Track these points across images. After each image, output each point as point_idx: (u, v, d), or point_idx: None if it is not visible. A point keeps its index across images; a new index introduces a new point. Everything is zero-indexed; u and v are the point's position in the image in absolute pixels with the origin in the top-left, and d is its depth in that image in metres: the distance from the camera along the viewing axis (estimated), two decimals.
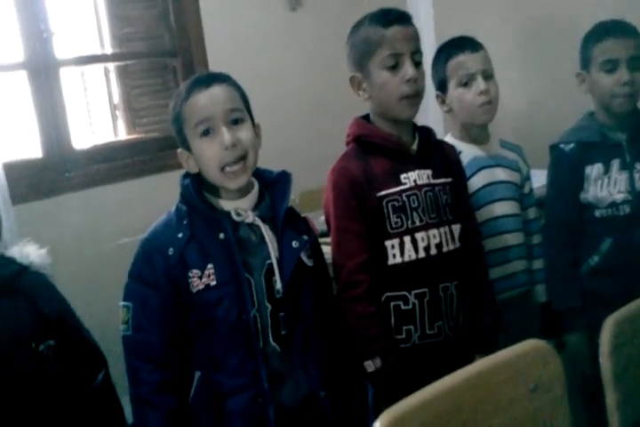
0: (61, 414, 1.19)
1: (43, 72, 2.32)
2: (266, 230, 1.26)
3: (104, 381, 1.30)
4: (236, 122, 1.24)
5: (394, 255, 1.40)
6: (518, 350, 1.05)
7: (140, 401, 1.23)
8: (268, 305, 1.23)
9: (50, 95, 2.33)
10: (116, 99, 2.60)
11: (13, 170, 2.14)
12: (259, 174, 1.32)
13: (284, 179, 1.31)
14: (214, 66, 2.63)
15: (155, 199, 2.46)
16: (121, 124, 2.60)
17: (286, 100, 2.85)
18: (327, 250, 1.47)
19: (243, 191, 1.27)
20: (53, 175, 2.32)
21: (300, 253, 1.27)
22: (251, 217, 1.25)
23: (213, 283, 1.21)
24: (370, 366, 1.34)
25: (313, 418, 1.27)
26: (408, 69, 1.38)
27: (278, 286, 1.23)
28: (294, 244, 1.27)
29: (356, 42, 1.44)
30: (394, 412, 0.88)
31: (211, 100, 1.22)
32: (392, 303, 1.40)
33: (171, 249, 1.21)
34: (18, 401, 1.12)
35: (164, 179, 2.51)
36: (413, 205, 1.41)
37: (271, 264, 1.24)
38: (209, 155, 1.22)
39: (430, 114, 2.05)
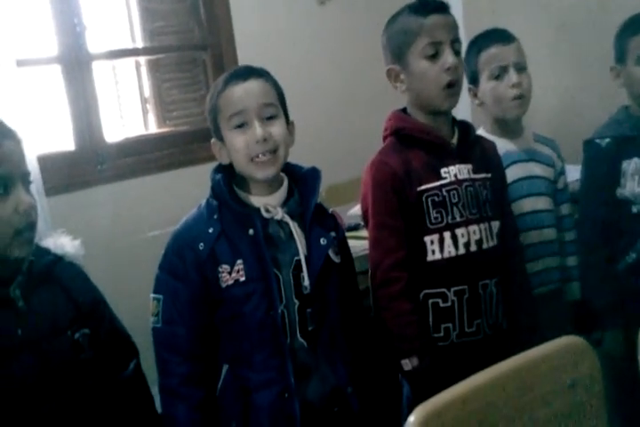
0: (94, 401, 1.21)
1: (76, 66, 2.34)
2: (294, 227, 1.26)
3: (135, 370, 1.32)
4: (269, 117, 1.25)
5: (433, 251, 1.39)
6: (555, 346, 1.04)
7: (168, 392, 1.25)
8: (296, 301, 1.25)
9: (82, 89, 2.35)
10: (147, 92, 2.62)
11: (47, 162, 2.16)
12: (288, 170, 1.33)
13: (313, 175, 1.32)
14: (243, 60, 2.64)
15: (184, 192, 2.49)
16: (151, 117, 2.62)
17: (313, 94, 2.85)
18: (353, 244, 1.47)
19: (272, 187, 1.28)
20: (86, 168, 2.35)
21: (327, 250, 1.28)
22: (280, 214, 1.26)
23: (242, 279, 1.22)
24: (406, 364, 1.34)
25: (339, 413, 1.27)
26: (448, 57, 1.37)
27: (306, 282, 1.24)
28: (322, 241, 1.27)
29: (393, 33, 1.43)
30: (428, 406, 0.88)
31: (246, 93, 1.24)
32: (430, 301, 1.39)
33: (201, 244, 1.23)
34: (54, 388, 1.14)
35: (194, 172, 2.53)
36: (454, 201, 1.40)
37: (299, 261, 1.25)
38: (240, 146, 1.24)
39: (458, 108, 2.04)
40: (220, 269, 1.23)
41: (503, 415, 0.95)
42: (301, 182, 1.32)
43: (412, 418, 0.87)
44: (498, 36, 1.66)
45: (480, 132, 1.71)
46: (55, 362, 1.15)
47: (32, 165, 2.07)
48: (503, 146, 1.67)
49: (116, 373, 1.28)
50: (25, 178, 1.16)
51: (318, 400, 1.26)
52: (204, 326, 1.26)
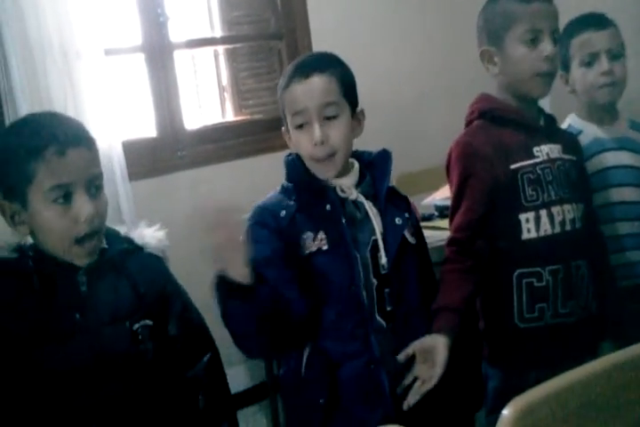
0: (151, 395, 1.19)
1: (158, 55, 2.42)
2: (370, 207, 1.27)
3: (209, 364, 1.28)
4: (329, 117, 1.25)
5: (528, 230, 1.38)
6: None
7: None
8: (374, 281, 1.25)
9: (164, 77, 2.43)
10: (224, 81, 2.68)
11: (130, 148, 2.24)
12: (357, 156, 1.34)
13: (384, 157, 1.32)
14: (318, 49, 2.65)
15: (259, 180, 2.53)
16: (228, 105, 2.68)
17: (386, 82, 2.85)
18: (428, 234, 1.46)
19: (344, 171, 1.29)
20: (166, 154, 2.43)
21: (403, 229, 1.28)
22: (354, 194, 1.27)
23: (325, 247, 1.23)
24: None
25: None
26: (547, 46, 1.36)
27: (383, 261, 1.25)
28: (397, 220, 1.28)
29: (492, 15, 1.42)
30: (524, 401, 0.85)
31: (308, 92, 1.24)
32: (525, 280, 1.38)
33: (283, 211, 1.25)
34: (107, 376, 1.14)
35: (269, 160, 2.57)
36: (548, 179, 1.39)
37: (376, 240, 1.26)
38: (301, 147, 1.26)
39: None
40: (304, 236, 1.24)
41: (602, 413, 0.91)
42: (372, 166, 1.33)
43: (505, 411, 0.85)
44: (592, 22, 1.62)
45: (571, 118, 1.68)
46: (110, 350, 1.15)
47: (117, 150, 2.17)
48: (593, 133, 1.63)
49: (185, 367, 1.25)
50: (91, 183, 1.14)
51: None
52: (298, 286, 1.24)
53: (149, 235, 1.27)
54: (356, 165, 1.32)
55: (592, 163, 1.60)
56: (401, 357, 1.24)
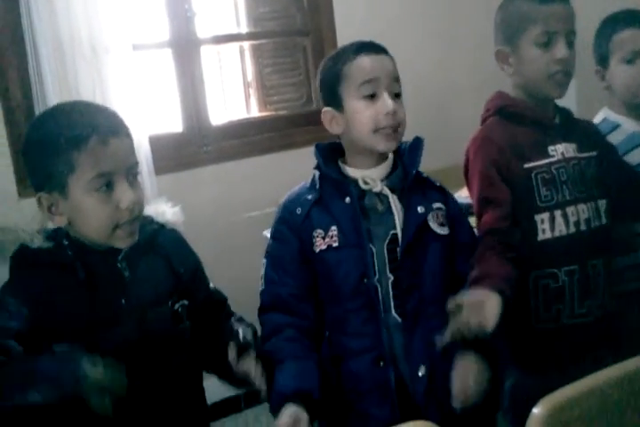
0: (189, 371, 1.23)
1: (185, 50, 2.44)
2: (394, 200, 1.26)
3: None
4: (397, 95, 1.26)
5: (543, 230, 1.37)
6: None
7: (266, 338, 1.25)
8: (390, 276, 1.23)
9: (191, 72, 2.45)
10: (250, 77, 2.69)
11: (157, 143, 2.27)
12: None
13: (417, 144, 1.32)
14: None
15: (283, 175, 2.54)
16: (253, 101, 2.69)
17: (409, 80, 2.83)
18: None
19: (376, 161, 1.29)
20: (192, 149, 2.45)
21: (424, 217, 1.25)
22: (379, 186, 1.27)
23: (335, 244, 1.24)
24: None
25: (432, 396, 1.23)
26: (561, 49, 1.35)
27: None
28: (420, 209, 1.26)
29: (508, 15, 1.42)
30: (554, 399, 0.86)
31: (380, 64, 1.25)
32: (541, 282, 1.37)
33: (299, 209, 1.27)
34: (152, 357, 1.16)
35: (293, 155, 2.58)
36: (563, 179, 1.38)
37: (395, 234, 1.24)
38: (367, 117, 1.25)
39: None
40: (315, 234, 1.25)
41: (634, 414, 0.92)
42: (405, 155, 1.32)
43: (535, 411, 0.85)
44: (634, 18, 1.60)
45: (604, 111, 1.67)
46: (155, 332, 1.17)
47: (144, 145, 2.19)
48: (630, 127, 1.62)
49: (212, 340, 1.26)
50: (130, 171, 1.15)
51: (411, 380, 1.23)
52: (303, 289, 1.27)
53: (169, 211, 1.29)
54: (390, 156, 1.32)
55: (629, 157, 1.58)
56: (451, 305, 1.14)
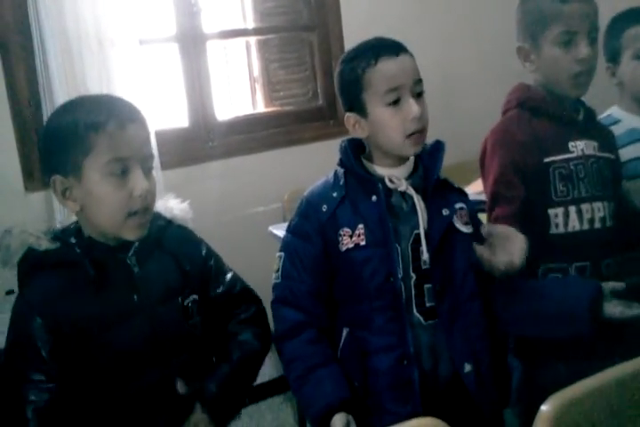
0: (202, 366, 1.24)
1: (191, 45, 2.43)
2: (418, 200, 1.26)
3: (255, 316, 1.31)
4: (419, 94, 1.25)
5: (557, 225, 1.37)
6: None
7: (280, 338, 1.26)
8: (413, 275, 1.23)
9: (197, 67, 2.44)
10: (256, 72, 2.68)
11: (163, 137, 2.26)
12: None
13: (438, 147, 1.31)
14: (350, 41, 2.65)
15: (288, 171, 2.56)
16: (259, 96, 2.69)
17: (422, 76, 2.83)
18: None
19: (399, 161, 1.29)
20: (197, 144, 2.45)
21: (450, 220, 1.26)
22: (404, 185, 1.26)
23: (363, 243, 1.22)
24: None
25: (455, 395, 1.24)
26: (583, 49, 1.34)
27: (425, 256, 1.23)
28: (444, 211, 1.26)
29: (529, 12, 1.41)
30: (563, 396, 0.86)
31: (402, 69, 1.23)
32: (550, 275, 1.37)
33: (325, 206, 1.26)
34: (163, 353, 1.17)
35: (298, 151, 2.58)
36: (580, 175, 1.38)
37: (419, 234, 1.24)
38: (393, 125, 1.23)
39: None
40: (342, 233, 1.24)
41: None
42: (426, 157, 1.31)
43: (544, 407, 0.84)
44: None
45: (613, 109, 1.68)
46: (166, 328, 1.17)
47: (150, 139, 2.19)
48: (631, 123, 1.63)
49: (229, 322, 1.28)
50: (146, 161, 1.14)
51: (435, 380, 1.24)
52: (321, 287, 1.26)
53: (177, 207, 1.29)
54: (412, 156, 1.31)
55: (625, 151, 1.58)
56: (484, 231, 1.23)
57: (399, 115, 1.23)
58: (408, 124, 1.23)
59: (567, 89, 1.39)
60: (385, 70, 1.23)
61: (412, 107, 1.22)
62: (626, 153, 1.59)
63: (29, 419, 1.09)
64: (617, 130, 1.60)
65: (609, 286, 1.22)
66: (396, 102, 1.23)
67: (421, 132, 1.24)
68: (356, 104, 1.27)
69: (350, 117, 1.28)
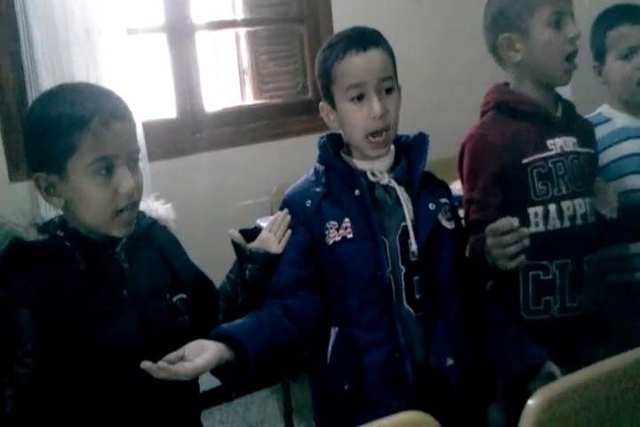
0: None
1: (180, 36, 2.41)
2: (401, 192, 1.25)
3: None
4: (387, 91, 1.23)
5: (536, 223, 1.37)
6: None
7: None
8: (402, 268, 1.23)
9: (186, 58, 2.42)
10: (245, 64, 2.67)
11: (150, 128, 2.24)
12: (395, 139, 1.31)
13: (421, 140, 1.30)
14: None
15: (276, 164, 2.54)
16: (248, 88, 2.67)
17: (406, 70, 2.82)
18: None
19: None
20: (185, 135, 2.43)
21: (436, 215, 1.26)
22: (386, 178, 1.25)
23: (350, 236, 1.22)
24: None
25: (445, 387, 1.24)
26: (572, 28, 1.36)
27: (413, 248, 1.22)
28: (431, 206, 1.25)
29: (511, 1, 1.41)
30: (549, 391, 0.86)
31: (367, 65, 1.21)
32: (531, 273, 1.38)
33: (308, 201, 1.25)
34: (153, 350, 1.13)
35: (286, 144, 2.57)
36: (560, 173, 1.38)
37: (406, 226, 1.23)
38: (355, 121, 1.23)
39: None
40: (328, 226, 1.23)
41: (628, 406, 0.91)
42: (408, 149, 1.31)
43: (531, 402, 0.84)
44: (629, 14, 1.60)
45: (604, 107, 1.68)
46: (156, 324, 1.17)
47: (137, 131, 2.16)
48: (622, 120, 1.63)
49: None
50: (131, 156, 1.12)
51: (424, 370, 1.24)
52: (305, 283, 1.24)
53: (162, 207, 1.27)
54: (392, 148, 1.30)
55: (617, 149, 1.60)
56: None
57: (362, 111, 1.22)
58: (369, 121, 1.22)
59: (558, 73, 1.39)
60: (349, 65, 1.21)
61: (373, 105, 1.21)
62: (617, 151, 1.60)
63: (9, 414, 1.07)
64: (607, 128, 1.61)
65: (552, 368, 1.23)
66: (360, 98, 1.22)
67: (385, 131, 1.23)
68: (327, 95, 1.27)
69: (324, 107, 1.29)
